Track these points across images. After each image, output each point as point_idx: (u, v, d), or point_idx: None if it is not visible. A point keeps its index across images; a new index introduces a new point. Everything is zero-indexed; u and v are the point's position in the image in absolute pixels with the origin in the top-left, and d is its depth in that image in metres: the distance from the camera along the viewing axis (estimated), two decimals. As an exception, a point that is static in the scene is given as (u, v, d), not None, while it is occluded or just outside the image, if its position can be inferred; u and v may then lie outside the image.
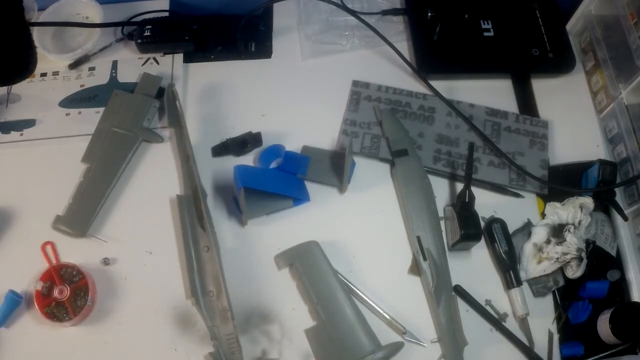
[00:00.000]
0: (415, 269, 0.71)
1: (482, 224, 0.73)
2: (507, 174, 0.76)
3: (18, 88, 0.85)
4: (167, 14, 0.89)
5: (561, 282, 0.70)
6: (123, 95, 0.82)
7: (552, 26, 0.86)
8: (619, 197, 0.75)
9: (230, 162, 0.78)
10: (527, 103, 0.83)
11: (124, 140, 0.78)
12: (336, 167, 0.76)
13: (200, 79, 0.86)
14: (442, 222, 0.73)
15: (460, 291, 0.69)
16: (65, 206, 0.75)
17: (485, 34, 0.85)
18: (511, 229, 0.73)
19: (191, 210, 0.73)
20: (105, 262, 0.72)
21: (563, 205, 0.73)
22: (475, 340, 0.66)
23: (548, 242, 0.70)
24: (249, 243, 0.73)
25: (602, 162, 0.74)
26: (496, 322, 0.68)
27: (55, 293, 0.68)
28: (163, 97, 0.82)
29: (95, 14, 0.88)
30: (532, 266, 0.70)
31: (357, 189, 0.76)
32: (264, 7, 0.88)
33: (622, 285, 0.71)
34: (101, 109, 0.82)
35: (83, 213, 0.74)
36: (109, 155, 0.78)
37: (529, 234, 0.72)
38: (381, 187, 0.77)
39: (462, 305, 0.69)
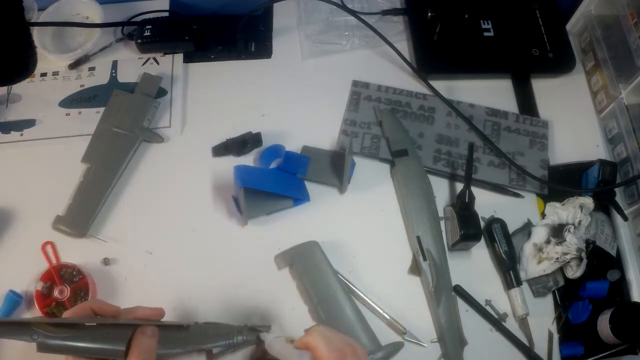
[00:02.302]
0: (415, 269, 0.71)
1: (482, 224, 0.73)
2: (507, 174, 0.76)
3: (18, 88, 0.85)
4: (167, 14, 0.89)
5: (561, 282, 0.70)
6: (123, 95, 0.82)
7: (552, 26, 0.86)
8: (619, 197, 0.75)
9: (230, 162, 0.78)
10: (527, 103, 0.83)
11: (124, 140, 0.78)
12: (336, 167, 0.76)
13: (200, 79, 0.86)
14: (442, 222, 0.73)
15: (460, 291, 0.69)
16: (65, 206, 0.75)
17: (485, 34, 0.85)
18: (511, 229, 0.73)
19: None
20: (105, 262, 0.72)
21: (563, 205, 0.73)
22: (475, 340, 0.67)
23: (548, 242, 0.70)
24: (249, 243, 0.73)
25: (602, 162, 0.74)
26: (496, 322, 0.68)
27: (56, 293, 0.68)
28: (163, 97, 0.83)
29: (95, 14, 0.88)
30: (532, 266, 0.70)
31: (357, 189, 0.76)
32: (264, 7, 0.88)
33: (622, 285, 0.71)
34: (101, 109, 0.82)
35: (83, 213, 0.74)
36: (109, 155, 0.78)
37: (529, 234, 0.72)
38: (381, 187, 0.77)
39: (462, 305, 0.69)
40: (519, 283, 0.69)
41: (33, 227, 0.75)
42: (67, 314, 0.52)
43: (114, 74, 0.86)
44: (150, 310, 0.54)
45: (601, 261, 0.72)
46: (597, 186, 0.73)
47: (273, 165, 0.76)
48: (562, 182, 0.77)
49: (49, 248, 0.73)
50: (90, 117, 0.82)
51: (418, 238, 0.70)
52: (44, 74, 0.86)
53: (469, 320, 0.68)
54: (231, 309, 0.69)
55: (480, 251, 0.72)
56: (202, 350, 0.59)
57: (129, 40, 0.88)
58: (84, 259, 0.72)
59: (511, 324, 0.68)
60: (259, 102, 0.84)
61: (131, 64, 0.87)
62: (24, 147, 0.81)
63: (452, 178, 0.77)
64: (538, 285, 0.70)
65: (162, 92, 0.84)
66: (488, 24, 0.86)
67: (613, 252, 0.73)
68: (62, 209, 0.75)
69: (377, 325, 0.67)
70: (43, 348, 0.47)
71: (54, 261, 0.72)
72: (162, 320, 0.55)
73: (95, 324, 0.50)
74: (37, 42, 0.76)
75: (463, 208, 0.70)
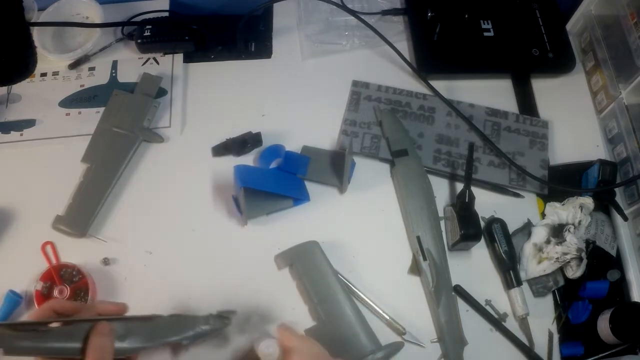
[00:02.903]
0: (415, 269, 0.71)
1: (482, 224, 0.73)
2: (507, 174, 0.76)
3: (18, 88, 0.85)
4: (167, 14, 0.89)
5: (561, 282, 0.70)
6: (123, 95, 0.82)
7: (552, 26, 0.86)
8: (619, 197, 0.75)
9: (230, 162, 0.78)
10: (527, 103, 0.83)
11: (124, 140, 0.78)
12: (336, 167, 0.76)
13: (200, 79, 0.86)
14: (442, 222, 0.73)
15: (460, 291, 0.69)
16: (65, 206, 0.75)
17: (485, 34, 0.85)
18: (511, 229, 0.73)
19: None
20: (105, 262, 0.72)
21: (563, 205, 0.73)
22: (475, 340, 0.67)
23: (548, 242, 0.70)
24: (249, 243, 0.73)
25: (602, 162, 0.74)
26: (496, 322, 0.68)
27: (56, 293, 0.68)
28: (163, 97, 0.83)
29: (95, 14, 0.88)
30: (532, 266, 0.70)
31: (357, 189, 0.76)
32: (264, 7, 0.88)
33: (622, 285, 0.71)
34: (101, 109, 0.82)
35: (83, 213, 0.74)
36: (109, 155, 0.78)
37: (529, 234, 0.72)
38: (381, 187, 0.77)
39: (462, 305, 0.69)
40: (519, 283, 0.69)
41: (33, 227, 0.75)
42: (31, 316, 0.53)
43: (114, 74, 0.86)
44: (112, 305, 0.55)
45: (601, 261, 0.72)
46: (597, 186, 0.73)
47: (273, 165, 0.76)
48: (562, 182, 0.77)
49: (49, 248, 0.73)
50: (90, 117, 0.82)
51: (418, 238, 0.70)
52: (44, 74, 0.86)
53: (469, 320, 0.68)
54: (231, 308, 0.69)
55: (480, 251, 0.72)
56: (169, 344, 0.60)
57: (129, 40, 0.88)
58: (84, 259, 0.72)
59: (511, 324, 0.68)
60: (259, 102, 0.84)
61: (131, 64, 0.87)
62: (24, 147, 0.80)
63: (452, 178, 0.77)
64: (538, 285, 0.70)
65: (162, 92, 0.84)
66: (488, 24, 0.86)
67: (613, 252, 0.73)
68: (62, 209, 0.75)
69: (377, 325, 0.67)
70: (10, 351, 0.47)
71: (54, 261, 0.72)
72: (126, 314, 0.56)
73: (58, 323, 0.51)
74: (37, 42, 0.76)
75: (463, 208, 0.70)
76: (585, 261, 0.68)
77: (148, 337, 0.56)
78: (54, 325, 0.50)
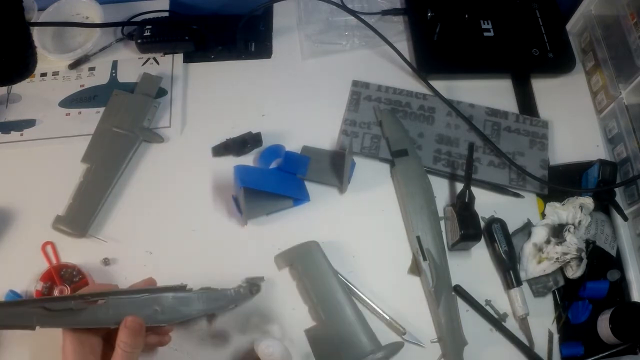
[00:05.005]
0: (415, 269, 0.71)
1: (482, 224, 0.73)
2: (507, 174, 0.76)
3: (18, 88, 0.85)
4: (167, 14, 0.89)
5: (561, 282, 0.70)
6: (123, 95, 0.82)
7: (552, 26, 0.86)
8: (619, 197, 0.75)
9: (230, 162, 0.78)
10: (527, 103, 0.83)
11: (124, 140, 0.78)
12: (336, 167, 0.76)
13: (200, 79, 0.86)
14: (442, 222, 0.73)
15: (460, 291, 0.69)
16: (65, 206, 0.75)
17: (485, 34, 0.85)
18: (511, 229, 0.73)
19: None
20: (105, 262, 0.72)
21: (563, 205, 0.73)
22: (475, 340, 0.67)
23: (548, 242, 0.70)
24: (249, 243, 0.73)
25: (602, 162, 0.74)
26: (496, 322, 0.68)
27: (56, 293, 0.68)
28: (163, 97, 0.83)
29: (95, 14, 0.88)
30: (532, 266, 0.70)
31: (357, 189, 0.76)
32: (264, 7, 0.88)
33: (622, 285, 0.71)
34: (101, 109, 0.82)
35: (83, 213, 0.74)
36: (109, 155, 0.78)
37: (529, 234, 0.72)
38: (381, 187, 0.77)
39: (462, 305, 0.69)
40: (519, 283, 0.69)
41: (33, 227, 0.75)
42: None
43: (114, 74, 0.86)
44: (142, 282, 0.61)
45: (601, 261, 0.72)
46: (597, 186, 0.73)
47: (273, 165, 0.77)
48: (562, 182, 0.77)
49: (49, 248, 0.73)
50: (90, 117, 0.82)
51: (418, 238, 0.70)
52: (44, 74, 0.86)
53: (469, 320, 0.68)
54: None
55: (480, 251, 0.72)
56: (201, 315, 0.64)
57: (129, 40, 0.88)
58: (84, 259, 0.72)
59: (511, 324, 0.68)
60: (259, 102, 0.84)
61: (131, 64, 0.87)
62: (24, 147, 0.81)
63: (452, 178, 0.77)
64: (538, 285, 0.70)
65: (162, 92, 0.84)
66: (488, 24, 0.86)
67: (613, 252, 0.73)
68: (62, 209, 0.75)
69: (377, 325, 0.67)
70: (45, 326, 0.52)
71: (54, 261, 0.72)
72: (157, 286, 0.61)
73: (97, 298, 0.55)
74: (37, 42, 0.76)
75: (463, 208, 0.70)
76: (585, 261, 0.68)
77: (180, 309, 0.59)
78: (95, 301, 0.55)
